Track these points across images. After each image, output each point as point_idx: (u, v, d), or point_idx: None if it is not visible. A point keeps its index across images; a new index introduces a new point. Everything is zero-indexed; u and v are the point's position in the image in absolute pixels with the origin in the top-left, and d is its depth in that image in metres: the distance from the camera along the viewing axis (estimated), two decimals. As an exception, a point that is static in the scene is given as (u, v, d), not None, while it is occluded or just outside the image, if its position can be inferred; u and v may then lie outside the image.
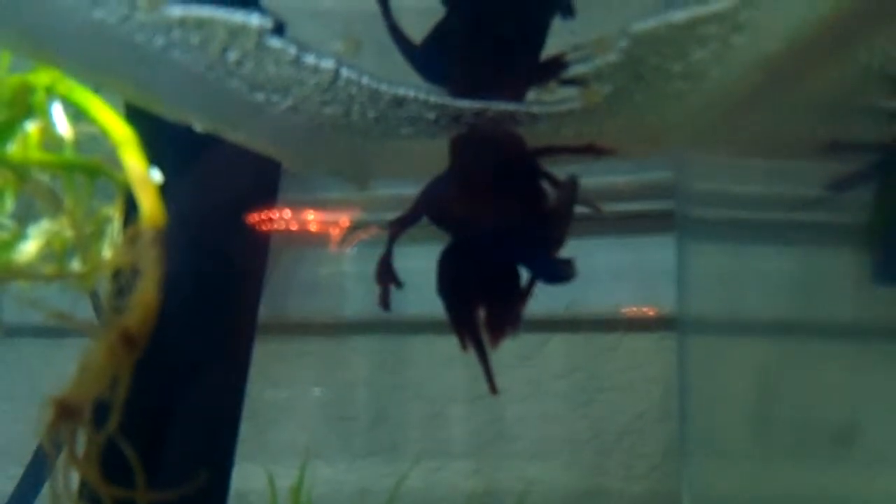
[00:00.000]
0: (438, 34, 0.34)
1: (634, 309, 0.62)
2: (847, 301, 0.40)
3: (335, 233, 0.62)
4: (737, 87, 0.31)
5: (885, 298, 0.37)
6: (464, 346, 0.35)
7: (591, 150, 0.35)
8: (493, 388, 0.35)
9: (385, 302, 0.36)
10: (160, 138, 0.30)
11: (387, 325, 0.64)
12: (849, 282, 0.39)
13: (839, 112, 0.35)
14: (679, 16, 0.26)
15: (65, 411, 0.25)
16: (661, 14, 0.26)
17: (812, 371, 0.42)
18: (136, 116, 0.30)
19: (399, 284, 0.36)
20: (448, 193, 0.35)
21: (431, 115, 0.34)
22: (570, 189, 0.33)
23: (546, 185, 0.35)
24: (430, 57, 0.34)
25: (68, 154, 0.28)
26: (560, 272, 0.34)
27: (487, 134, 0.34)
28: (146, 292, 0.26)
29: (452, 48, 0.34)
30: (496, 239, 0.34)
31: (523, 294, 0.35)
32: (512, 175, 0.34)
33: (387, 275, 0.36)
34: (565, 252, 0.35)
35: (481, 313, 0.35)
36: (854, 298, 0.39)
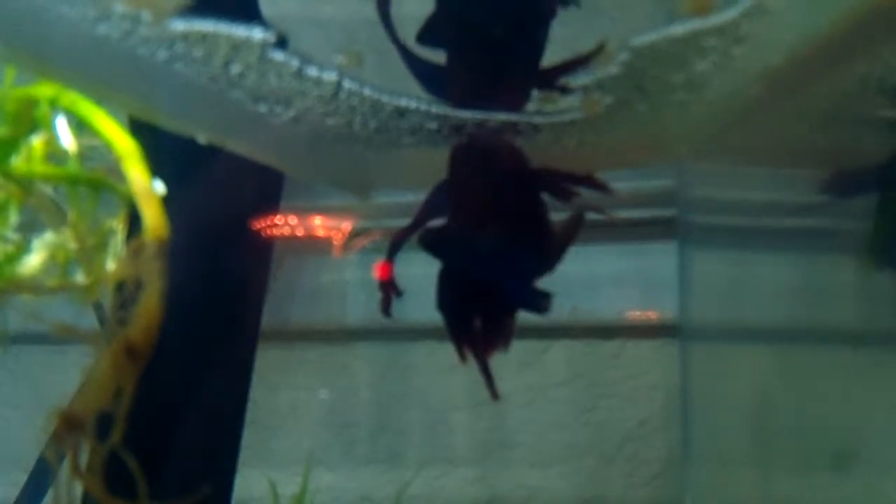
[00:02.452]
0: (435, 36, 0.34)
1: (636, 316, 0.62)
2: (849, 308, 0.40)
3: (337, 240, 0.62)
4: (737, 98, 0.31)
5: (887, 305, 0.37)
6: (463, 359, 0.35)
7: (589, 182, 0.35)
8: (494, 394, 0.35)
9: (386, 309, 0.37)
10: (163, 150, 0.30)
11: (389, 332, 0.64)
12: (851, 289, 0.39)
13: (839, 122, 0.35)
14: (680, 29, 0.26)
15: (69, 423, 0.25)
16: (662, 27, 0.27)
17: (814, 379, 0.42)
18: (139, 129, 0.30)
19: (399, 293, 0.36)
20: (447, 205, 0.35)
21: (433, 126, 0.34)
22: (574, 224, 0.34)
23: (547, 195, 0.35)
24: (432, 68, 0.34)
25: (72, 167, 0.28)
26: (536, 304, 0.34)
27: (487, 146, 0.34)
28: (149, 304, 0.26)
29: (453, 59, 0.34)
30: (491, 256, 0.34)
31: (512, 312, 0.35)
32: (510, 190, 0.34)
33: (388, 283, 0.36)
34: (566, 259, 0.35)
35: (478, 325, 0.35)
36: (856, 306, 0.39)
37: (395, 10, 0.35)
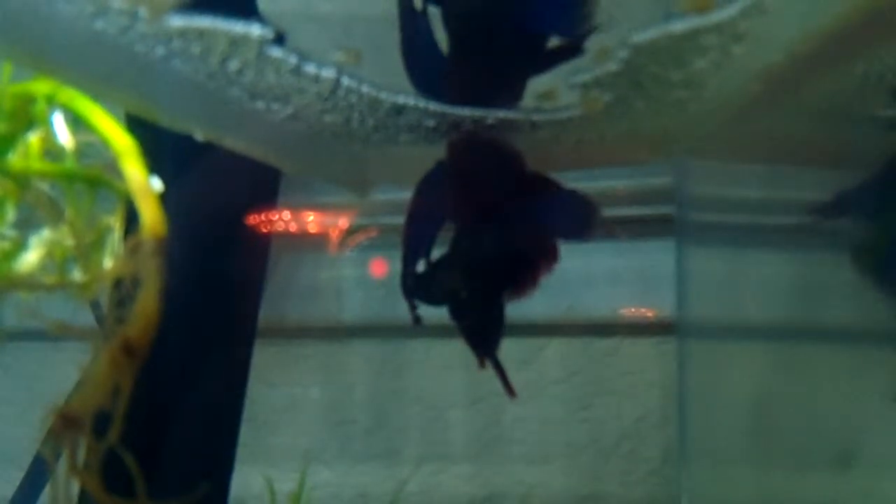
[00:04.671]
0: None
1: (633, 313, 0.62)
2: (846, 306, 0.40)
3: (334, 236, 0.62)
4: (736, 96, 0.31)
5: (884, 304, 0.37)
6: (482, 364, 0.35)
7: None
8: (512, 392, 0.35)
9: (415, 316, 0.36)
10: (160, 147, 0.30)
11: (386, 329, 0.64)
12: (848, 287, 0.39)
13: (838, 120, 0.35)
14: (679, 26, 0.26)
15: (67, 421, 0.25)
16: (661, 24, 0.26)
17: (811, 376, 0.42)
18: (136, 125, 0.30)
19: (419, 321, 0.36)
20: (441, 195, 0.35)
21: (431, 123, 0.34)
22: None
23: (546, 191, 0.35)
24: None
25: (69, 163, 0.28)
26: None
27: (481, 144, 0.34)
28: (147, 302, 0.26)
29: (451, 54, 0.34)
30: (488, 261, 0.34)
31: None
32: (506, 188, 0.34)
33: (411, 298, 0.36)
34: (564, 256, 0.35)
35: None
36: (853, 303, 0.39)
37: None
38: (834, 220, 0.38)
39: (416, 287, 0.35)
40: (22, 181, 0.28)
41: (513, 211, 0.34)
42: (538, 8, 0.31)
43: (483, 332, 0.35)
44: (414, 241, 0.36)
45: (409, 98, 0.32)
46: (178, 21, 0.25)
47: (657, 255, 0.57)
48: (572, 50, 0.31)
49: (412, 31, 0.33)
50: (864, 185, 0.36)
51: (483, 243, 0.34)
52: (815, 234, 0.41)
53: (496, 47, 0.32)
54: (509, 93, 0.33)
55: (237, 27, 0.26)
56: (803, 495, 0.43)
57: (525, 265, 0.34)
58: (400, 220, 0.37)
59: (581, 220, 0.34)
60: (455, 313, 0.35)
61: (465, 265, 0.34)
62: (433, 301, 0.34)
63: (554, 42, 0.32)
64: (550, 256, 0.34)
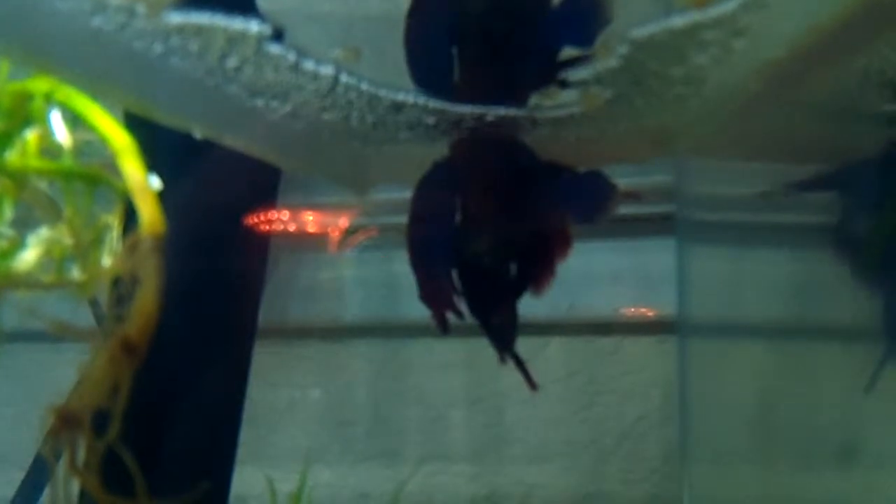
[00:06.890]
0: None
1: (634, 312, 0.62)
2: (847, 304, 0.40)
3: (334, 236, 0.62)
4: (737, 92, 0.31)
5: (876, 300, 0.37)
6: (503, 360, 0.35)
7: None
8: (533, 385, 0.35)
9: (442, 324, 0.36)
10: (159, 145, 0.30)
11: (386, 330, 0.64)
12: (848, 285, 0.39)
13: (838, 116, 0.35)
14: (679, 21, 0.26)
15: (66, 420, 0.25)
16: (661, 19, 0.26)
17: (812, 375, 0.42)
18: (134, 123, 0.30)
19: (460, 314, 0.36)
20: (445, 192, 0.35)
21: (430, 120, 0.34)
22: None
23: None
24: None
25: (67, 162, 0.28)
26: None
27: (494, 141, 0.34)
28: (146, 300, 0.26)
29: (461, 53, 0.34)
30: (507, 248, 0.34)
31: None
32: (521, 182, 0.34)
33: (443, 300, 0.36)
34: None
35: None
36: (854, 302, 0.39)
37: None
38: (813, 194, 0.38)
39: (458, 238, 0.34)
40: (20, 179, 0.28)
41: (528, 198, 0.34)
42: (556, 25, 0.32)
43: (504, 328, 0.35)
44: (419, 247, 0.36)
45: (408, 95, 0.32)
46: (176, 18, 0.25)
47: (658, 254, 0.57)
48: (582, 58, 0.31)
49: (421, 29, 0.33)
50: (847, 165, 0.36)
51: (498, 237, 0.34)
52: (816, 232, 0.41)
53: (510, 65, 0.32)
54: (517, 99, 0.33)
55: (235, 24, 0.26)
56: (805, 493, 0.42)
57: (540, 252, 0.34)
58: (400, 219, 0.36)
59: (601, 199, 0.34)
60: (476, 311, 0.35)
61: (483, 261, 0.34)
62: (475, 253, 0.34)
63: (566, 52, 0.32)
64: (564, 241, 0.34)
